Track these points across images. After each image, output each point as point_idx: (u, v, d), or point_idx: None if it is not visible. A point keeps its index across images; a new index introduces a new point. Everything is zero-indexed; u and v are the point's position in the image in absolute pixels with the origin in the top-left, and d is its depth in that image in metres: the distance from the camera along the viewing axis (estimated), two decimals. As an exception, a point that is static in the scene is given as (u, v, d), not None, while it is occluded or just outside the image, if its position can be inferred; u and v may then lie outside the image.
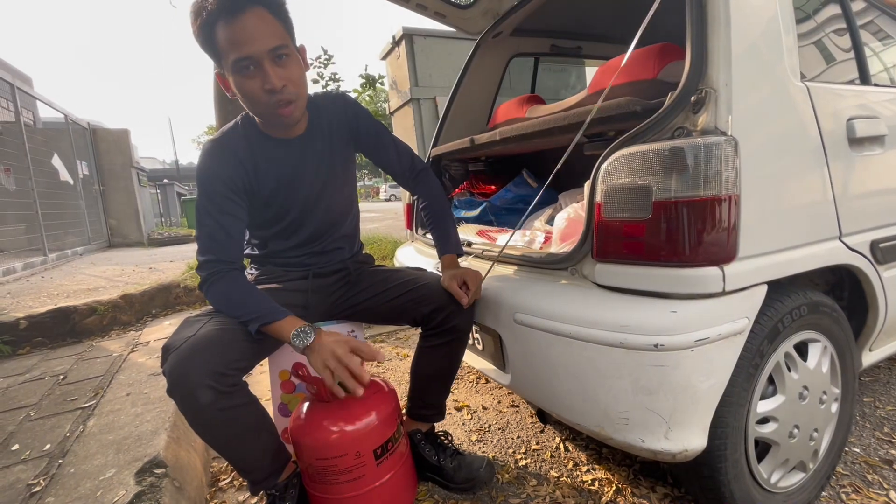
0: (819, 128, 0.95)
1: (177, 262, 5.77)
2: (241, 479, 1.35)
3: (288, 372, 1.33)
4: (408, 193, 2.17)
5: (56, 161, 6.71)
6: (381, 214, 13.30)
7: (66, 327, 2.25)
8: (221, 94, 3.36)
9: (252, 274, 1.25)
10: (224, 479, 1.36)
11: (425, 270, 1.34)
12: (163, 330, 2.30)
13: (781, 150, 0.91)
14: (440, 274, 1.24)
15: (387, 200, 28.15)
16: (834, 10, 1.15)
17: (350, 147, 1.25)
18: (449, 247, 1.28)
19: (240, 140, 1.09)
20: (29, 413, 1.53)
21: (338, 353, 0.92)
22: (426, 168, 1.36)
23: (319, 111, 1.18)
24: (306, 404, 1.10)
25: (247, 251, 1.25)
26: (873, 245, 1.06)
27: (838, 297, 1.19)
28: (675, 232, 0.84)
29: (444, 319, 1.17)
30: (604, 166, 0.93)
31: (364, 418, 1.03)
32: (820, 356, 1.04)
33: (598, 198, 0.94)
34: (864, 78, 1.13)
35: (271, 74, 0.96)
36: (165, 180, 16.60)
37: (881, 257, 1.08)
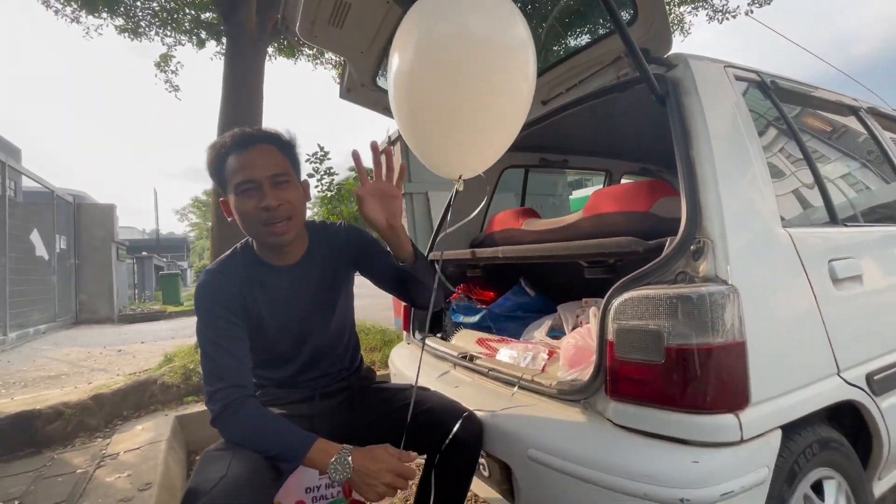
0: (805, 271, 1.03)
1: (148, 344, 5.48)
2: None
3: (279, 505, 1.23)
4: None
5: (35, 236, 6.58)
6: (365, 290, 13.15)
7: (26, 435, 2.05)
8: (219, 218, 3.53)
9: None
10: None
11: (428, 390, 1.31)
12: (134, 437, 2.12)
13: (776, 294, 0.98)
14: (442, 394, 1.22)
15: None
16: (798, 159, 1.30)
17: (349, 271, 1.26)
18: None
19: (237, 265, 1.12)
20: (-28, 554, 1.34)
21: (387, 481, 0.92)
22: None
23: (319, 239, 1.21)
24: (304, 553, 1.01)
25: None
26: (869, 377, 1.10)
27: (840, 425, 1.20)
28: (689, 377, 0.86)
29: (450, 446, 1.13)
30: (613, 305, 0.98)
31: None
32: (836, 494, 1.03)
33: (610, 335, 0.97)
34: (833, 218, 1.25)
35: (269, 194, 1.03)
36: (144, 253, 16.32)
37: (877, 388, 1.11)
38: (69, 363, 4.63)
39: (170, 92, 5.35)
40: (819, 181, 1.27)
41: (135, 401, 2.46)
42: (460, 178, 1.10)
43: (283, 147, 1.10)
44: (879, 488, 1.21)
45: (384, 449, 0.96)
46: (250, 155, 1.04)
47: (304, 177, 1.15)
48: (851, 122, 1.61)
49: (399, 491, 0.95)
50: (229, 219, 1.10)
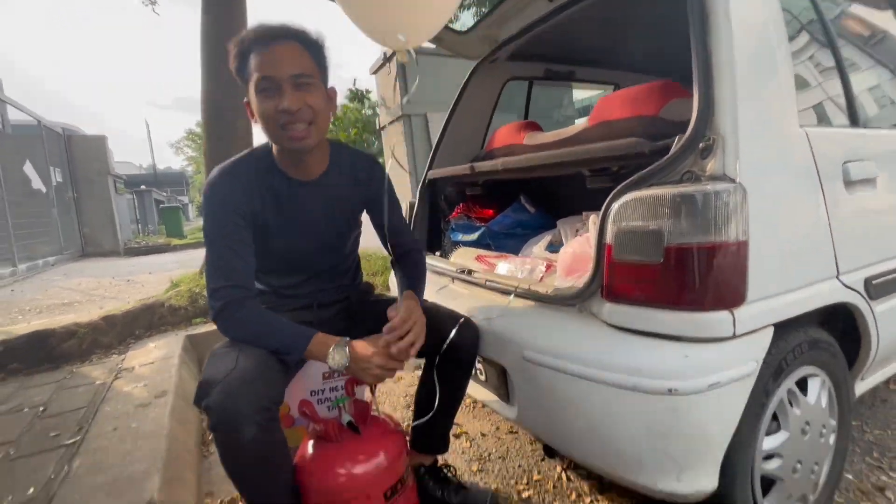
0: (818, 172, 0.99)
1: (156, 274, 5.59)
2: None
3: (287, 405, 1.30)
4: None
5: (28, 168, 6.46)
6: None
7: (43, 352, 2.15)
8: (210, 116, 3.35)
9: None
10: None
11: (425, 301, 1.32)
12: (147, 354, 2.22)
13: (785, 195, 0.94)
14: (440, 304, 1.23)
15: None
16: (824, 52, 1.20)
17: (360, 205, 1.24)
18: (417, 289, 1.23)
19: (252, 169, 1.07)
20: (8, 451, 1.45)
21: (380, 363, 0.97)
22: (419, 249, 1.33)
23: (342, 162, 1.16)
24: (311, 444, 1.07)
25: None
26: (867, 282, 1.10)
27: (832, 327, 1.22)
28: (687, 276, 0.85)
29: (448, 349, 1.16)
30: (613, 208, 0.94)
31: (373, 460, 1.01)
32: (819, 390, 1.07)
33: (608, 239, 0.95)
34: (854, 120, 1.17)
35: (288, 95, 0.97)
36: (143, 186, 16.16)
37: (874, 293, 1.11)
38: (81, 292, 4.76)
39: (146, 6, 4.95)
40: (843, 77, 1.18)
41: (145, 322, 2.54)
42: (394, 53, 1.01)
43: (310, 46, 1.01)
44: (861, 388, 1.26)
45: (378, 336, 1.01)
46: (271, 51, 0.97)
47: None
48: (888, 17, 1.47)
49: (396, 372, 1.01)
50: (253, 121, 1.04)
